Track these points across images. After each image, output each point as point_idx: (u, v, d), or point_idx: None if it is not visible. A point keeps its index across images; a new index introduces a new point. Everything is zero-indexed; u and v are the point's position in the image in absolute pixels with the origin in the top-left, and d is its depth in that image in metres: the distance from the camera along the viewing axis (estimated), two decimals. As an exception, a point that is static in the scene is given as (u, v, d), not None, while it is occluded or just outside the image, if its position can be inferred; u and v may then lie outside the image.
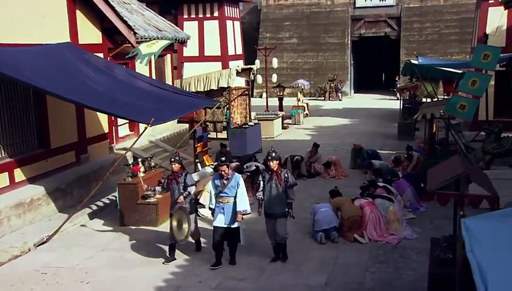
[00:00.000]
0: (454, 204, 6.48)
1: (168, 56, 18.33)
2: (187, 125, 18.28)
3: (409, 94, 23.05)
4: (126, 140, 14.62)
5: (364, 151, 14.67)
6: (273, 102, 24.61)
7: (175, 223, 8.24)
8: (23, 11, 10.56)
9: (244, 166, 12.66)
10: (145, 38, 14.41)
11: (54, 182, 10.90)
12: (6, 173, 10.15)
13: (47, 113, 11.26)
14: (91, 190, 10.12)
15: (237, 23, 28.70)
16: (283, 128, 21.66)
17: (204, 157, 14.43)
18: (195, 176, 11.11)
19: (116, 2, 15.05)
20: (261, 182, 8.32)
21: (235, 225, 8.17)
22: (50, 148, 11.35)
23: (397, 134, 19.32)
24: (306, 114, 24.53)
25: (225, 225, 8.14)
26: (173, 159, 8.58)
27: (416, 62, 17.62)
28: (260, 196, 8.34)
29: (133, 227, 10.09)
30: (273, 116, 20.61)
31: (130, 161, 11.99)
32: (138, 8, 17.54)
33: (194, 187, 8.69)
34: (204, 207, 10.28)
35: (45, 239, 9.40)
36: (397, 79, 32.76)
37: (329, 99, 33.21)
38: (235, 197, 8.12)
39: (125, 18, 13.53)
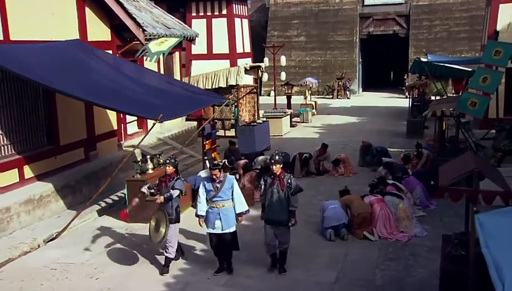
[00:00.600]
0: (465, 201, 6.41)
1: (177, 53, 18.35)
2: (195, 123, 18.29)
3: (418, 92, 22.93)
4: (134, 138, 14.66)
5: (373, 149, 14.59)
6: (282, 100, 24.57)
7: (153, 223, 7.93)
8: (32, 9, 10.59)
9: (253, 163, 12.64)
10: (154, 35, 14.41)
11: (63, 179, 10.94)
12: (16, 169, 10.19)
13: (56, 110, 11.29)
14: (100, 187, 10.12)
15: (245, 21, 28.63)
16: (291, 126, 21.60)
17: (213, 155, 14.41)
18: (203, 173, 11.09)
19: (125, -1, 15.06)
20: (262, 186, 7.77)
21: (233, 229, 7.74)
22: (59, 145, 11.39)
23: (406, 132, 19.21)
24: (313, 113, 24.44)
25: (222, 232, 7.63)
26: (168, 161, 8.10)
27: (425, 59, 17.51)
28: (262, 201, 7.88)
29: (141, 224, 10.09)
30: (281, 113, 20.54)
31: (139, 158, 12.00)
32: (146, 5, 17.56)
33: (177, 191, 7.89)
34: None
35: (54, 236, 9.45)
36: (405, 77, 32.61)
37: (337, 97, 33.10)
38: (231, 199, 7.64)
39: (133, 15, 13.55)
